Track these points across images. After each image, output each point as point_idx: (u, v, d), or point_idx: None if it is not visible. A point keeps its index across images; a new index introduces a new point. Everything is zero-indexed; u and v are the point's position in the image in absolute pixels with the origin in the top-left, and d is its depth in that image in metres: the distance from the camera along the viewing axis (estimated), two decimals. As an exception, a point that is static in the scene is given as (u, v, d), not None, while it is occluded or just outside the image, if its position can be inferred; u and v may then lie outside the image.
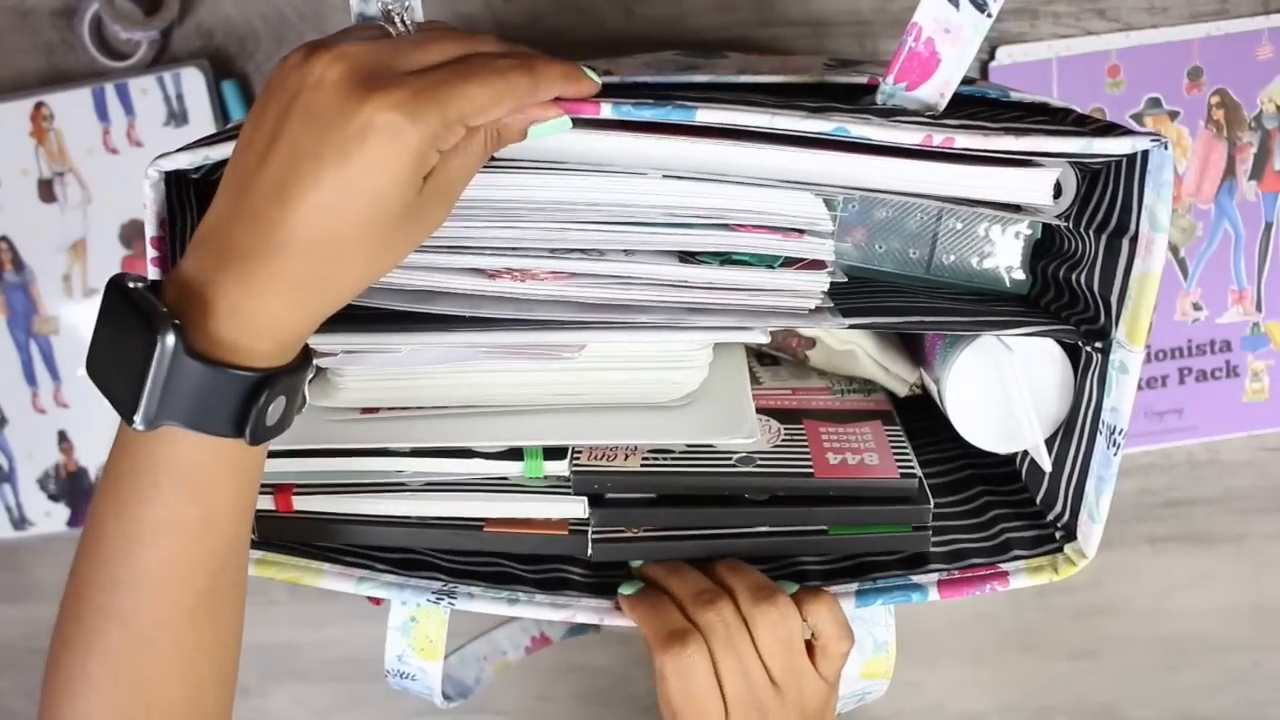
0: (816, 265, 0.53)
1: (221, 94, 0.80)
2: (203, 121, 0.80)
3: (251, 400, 0.44)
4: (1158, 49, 0.80)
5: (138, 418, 0.43)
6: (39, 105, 0.80)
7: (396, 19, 0.46)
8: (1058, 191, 0.55)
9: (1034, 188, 0.51)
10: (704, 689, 0.54)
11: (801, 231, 0.52)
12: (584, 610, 0.56)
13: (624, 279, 0.52)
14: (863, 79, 0.55)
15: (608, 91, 0.48)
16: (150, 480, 0.45)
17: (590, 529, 0.58)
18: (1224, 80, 0.81)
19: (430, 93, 0.42)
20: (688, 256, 0.53)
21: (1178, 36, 0.80)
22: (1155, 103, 0.81)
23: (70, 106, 0.80)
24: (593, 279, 0.52)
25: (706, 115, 0.47)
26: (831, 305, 0.54)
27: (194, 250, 0.44)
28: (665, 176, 0.50)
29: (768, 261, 0.52)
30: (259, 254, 0.43)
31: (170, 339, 0.42)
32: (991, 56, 0.80)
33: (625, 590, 0.57)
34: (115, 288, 0.44)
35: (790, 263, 0.53)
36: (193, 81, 0.79)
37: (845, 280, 0.55)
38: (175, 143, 0.86)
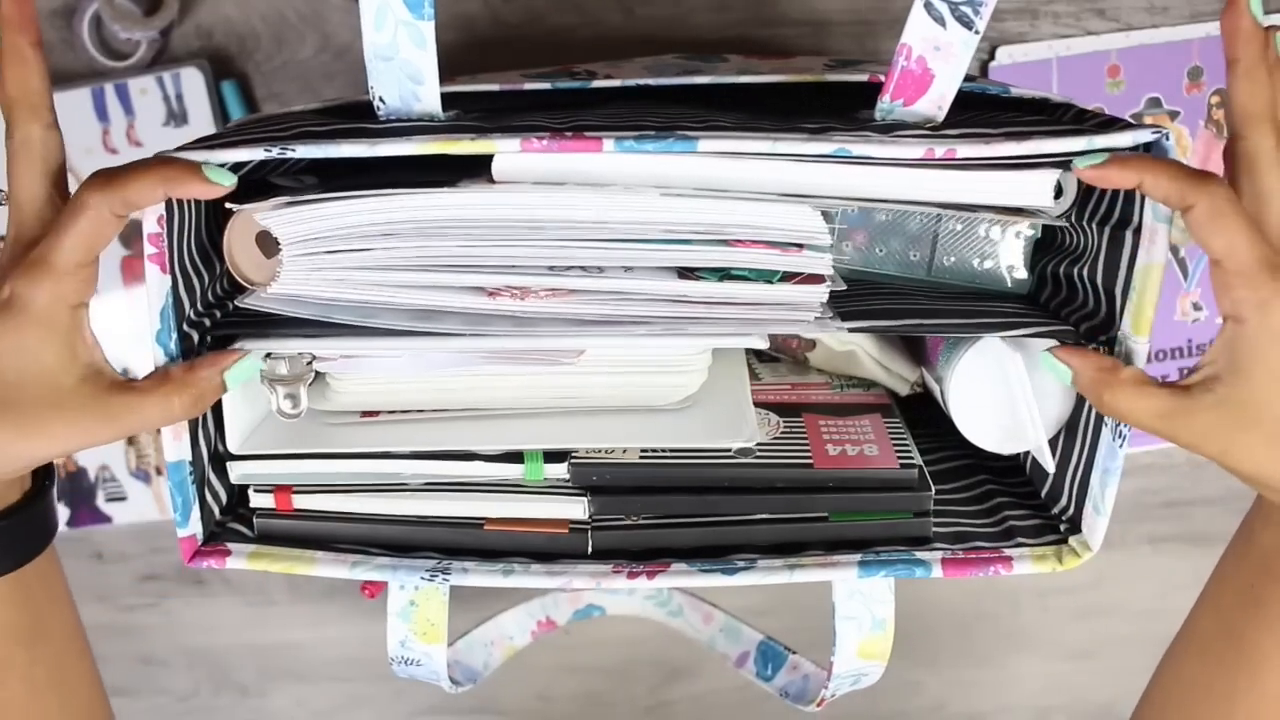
0: (815, 279, 0.53)
1: (221, 94, 0.80)
2: (202, 121, 0.80)
3: None
4: (1158, 49, 0.80)
5: None
6: (38, 105, 0.80)
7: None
8: (1059, 192, 0.55)
9: (1035, 190, 0.51)
10: None
11: (800, 246, 0.53)
12: (580, 576, 0.56)
13: (623, 295, 0.52)
14: (863, 77, 0.55)
15: (610, 126, 0.49)
16: None
17: (589, 517, 0.58)
18: (1224, 80, 0.81)
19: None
20: (687, 272, 0.53)
21: (1178, 36, 0.80)
22: (1155, 103, 0.81)
23: (70, 106, 0.80)
24: (592, 295, 0.52)
25: (709, 145, 0.48)
26: (830, 312, 0.54)
27: None
28: (664, 195, 0.51)
29: (766, 276, 0.53)
30: None
31: None
32: (991, 56, 0.80)
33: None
34: None
35: (789, 276, 0.53)
36: (192, 81, 0.79)
37: (844, 289, 0.55)
38: (175, 143, 0.86)
